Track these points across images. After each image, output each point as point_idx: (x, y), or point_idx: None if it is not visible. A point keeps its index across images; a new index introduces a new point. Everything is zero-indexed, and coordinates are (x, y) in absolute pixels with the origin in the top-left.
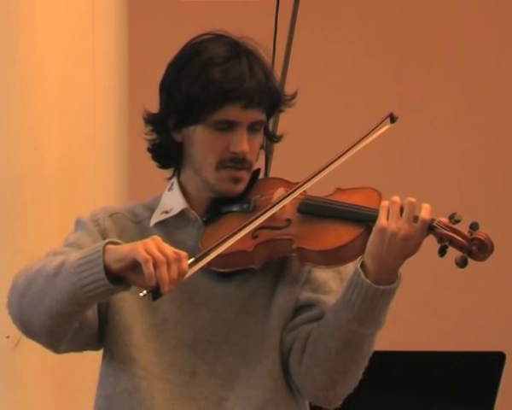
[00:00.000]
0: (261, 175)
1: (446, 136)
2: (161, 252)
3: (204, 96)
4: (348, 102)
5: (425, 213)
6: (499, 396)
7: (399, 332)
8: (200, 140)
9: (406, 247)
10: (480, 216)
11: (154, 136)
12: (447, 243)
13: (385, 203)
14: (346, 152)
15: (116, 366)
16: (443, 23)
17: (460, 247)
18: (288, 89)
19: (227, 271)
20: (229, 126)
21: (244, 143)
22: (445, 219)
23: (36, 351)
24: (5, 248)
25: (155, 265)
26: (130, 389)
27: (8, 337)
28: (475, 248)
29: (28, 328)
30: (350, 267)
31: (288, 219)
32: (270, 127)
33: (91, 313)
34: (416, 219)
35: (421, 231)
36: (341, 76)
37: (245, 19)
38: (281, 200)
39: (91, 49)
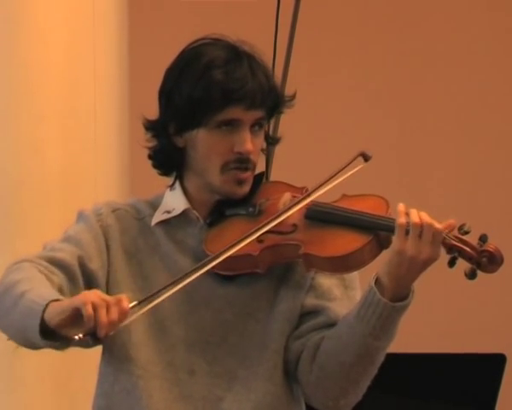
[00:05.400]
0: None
1: (450, 141)
2: (100, 298)
3: (206, 97)
4: (349, 103)
5: (438, 227)
6: (500, 398)
7: (400, 334)
8: (203, 143)
9: (426, 266)
10: (480, 219)
11: (154, 142)
12: (456, 255)
13: (402, 221)
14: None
15: (115, 365)
16: (445, 24)
17: (469, 258)
18: (289, 90)
19: (231, 274)
20: (232, 127)
21: (248, 143)
22: (454, 230)
23: (36, 353)
24: (6, 249)
25: (94, 308)
26: (129, 387)
27: (8, 339)
28: (485, 260)
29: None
30: (354, 274)
31: (295, 225)
32: (271, 131)
33: None
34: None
35: (438, 248)
36: (342, 78)
37: (245, 19)
38: (289, 208)
39: (92, 51)
